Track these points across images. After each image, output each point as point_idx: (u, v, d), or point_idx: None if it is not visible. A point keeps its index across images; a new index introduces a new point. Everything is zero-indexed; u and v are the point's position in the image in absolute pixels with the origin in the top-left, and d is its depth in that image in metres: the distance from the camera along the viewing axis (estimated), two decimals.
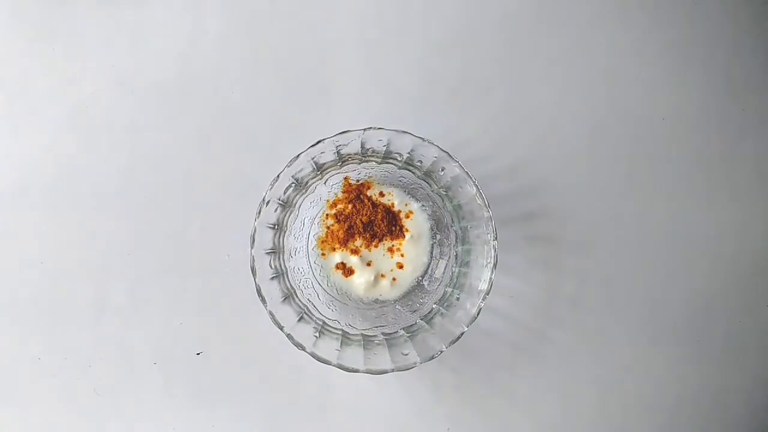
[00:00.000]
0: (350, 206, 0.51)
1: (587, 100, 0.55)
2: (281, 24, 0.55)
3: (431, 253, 0.52)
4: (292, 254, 0.50)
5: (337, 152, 0.48)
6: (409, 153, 0.48)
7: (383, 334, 0.48)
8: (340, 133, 0.46)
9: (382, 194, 0.51)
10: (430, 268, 0.52)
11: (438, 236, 0.52)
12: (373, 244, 0.51)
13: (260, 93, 0.55)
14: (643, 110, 0.55)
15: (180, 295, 0.53)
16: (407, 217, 0.51)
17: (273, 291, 0.47)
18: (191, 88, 0.55)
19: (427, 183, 0.51)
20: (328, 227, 0.51)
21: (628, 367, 0.54)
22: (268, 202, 0.46)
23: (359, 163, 0.50)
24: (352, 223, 0.50)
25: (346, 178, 0.51)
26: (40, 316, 0.53)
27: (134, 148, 0.54)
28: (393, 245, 0.51)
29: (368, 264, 0.51)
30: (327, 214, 0.51)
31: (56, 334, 0.52)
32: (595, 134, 0.55)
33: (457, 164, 0.47)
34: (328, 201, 0.52)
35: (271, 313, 0.45)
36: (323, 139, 0.46)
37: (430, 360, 0.45)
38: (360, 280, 0.50)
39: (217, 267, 0.53)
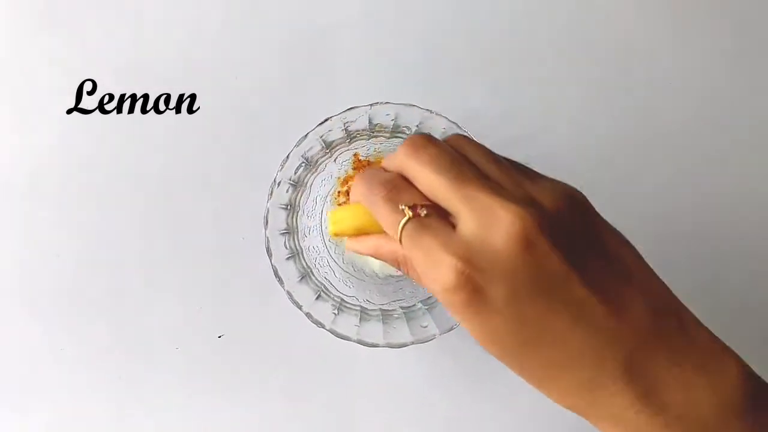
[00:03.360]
0: None
1: (595, 68, 0.55)
2: (284, 2, 0.55)
3: None
4: (306, 233, 0.51)
5: (345, 129, 0.47)
6: (417, 126, 0.48)
7: (401, 307, 0.48)
8: (348, 110, 0.46)
9: None
10: None
11: None
12: None
13: (265, 73, 0.55)
14: (653, 73, 0.55)
15: (198, 279, 0.53)
16: None
17: (289, 271, 0.47)
18: (197, 73, 0.55)
19: None
20: (340, 204, 0.51)
21: None
22: (279, 182, 0.46)
23: (368, 139, 0.50)
24: None
25: (355, 155, 0.51)
26: (61, 307, 0.53)
27: (143, 136, 0.54)
28: None
29: None
30: (338, 192, 0.51)
31: (78, 324, 0.53)
32: (604, 102, 0.54)
33: (466, 135, 0.46)
34: (339, 178, 0.52)
35: (288, 293, 0.46)
36: (331, 117, 0.46)
37: (449, 331, 0.45)
38: None
39: (232, 250, 0.53)
